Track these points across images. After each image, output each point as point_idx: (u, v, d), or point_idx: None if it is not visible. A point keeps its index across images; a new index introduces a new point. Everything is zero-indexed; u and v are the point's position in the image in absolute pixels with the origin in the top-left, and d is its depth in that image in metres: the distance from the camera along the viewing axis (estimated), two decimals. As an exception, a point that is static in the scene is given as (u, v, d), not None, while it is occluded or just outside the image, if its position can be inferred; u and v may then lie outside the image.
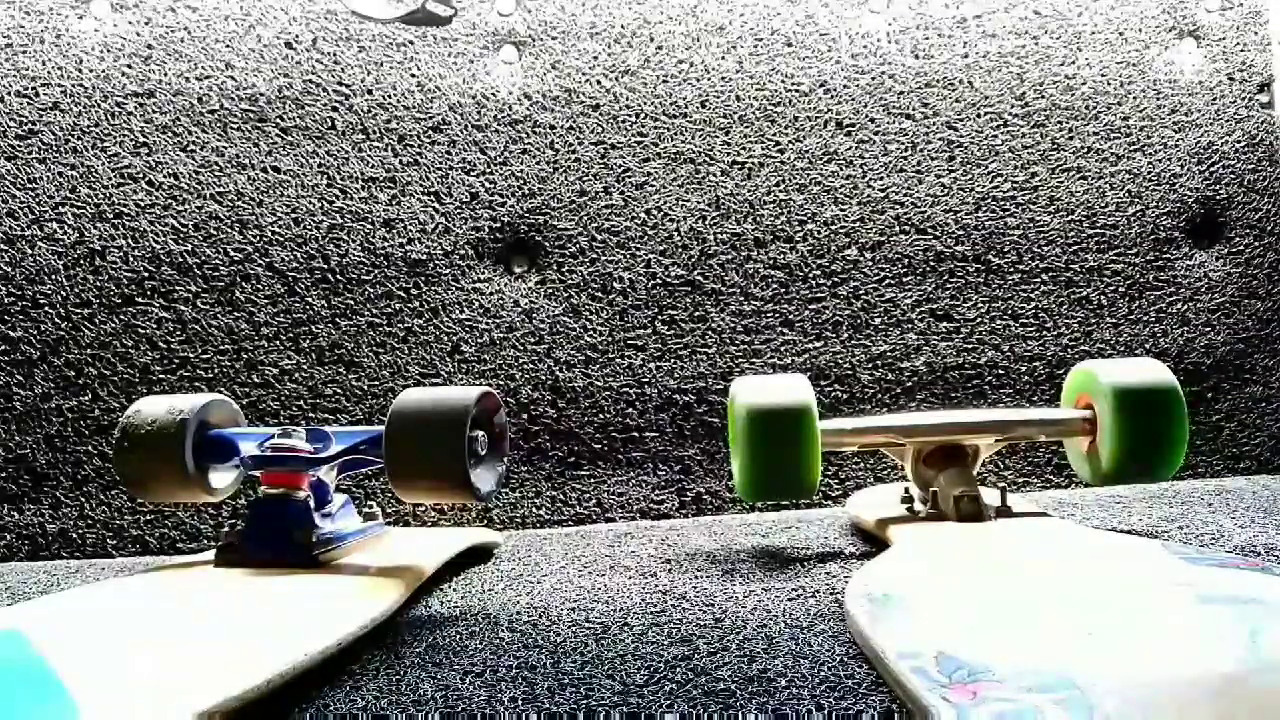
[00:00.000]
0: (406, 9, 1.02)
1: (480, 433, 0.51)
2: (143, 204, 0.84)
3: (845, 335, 0.87)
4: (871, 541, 0.59)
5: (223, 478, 0.55)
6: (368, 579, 0.47)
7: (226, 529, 0.50)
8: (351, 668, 0.37)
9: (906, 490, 0.61)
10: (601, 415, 0.85)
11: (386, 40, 0.91)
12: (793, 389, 0.56)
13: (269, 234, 0.84)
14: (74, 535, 0.75)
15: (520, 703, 0.34)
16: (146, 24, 0.87)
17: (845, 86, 0.92)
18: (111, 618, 0.42)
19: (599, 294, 0.87)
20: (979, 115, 0.93)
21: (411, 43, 0.91)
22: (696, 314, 0.87)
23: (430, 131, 0.89)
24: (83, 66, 0.86)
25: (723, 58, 0.93)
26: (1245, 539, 0.58)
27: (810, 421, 0.55)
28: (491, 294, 0.87)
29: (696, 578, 0.52)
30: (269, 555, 0.48)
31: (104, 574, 0.58)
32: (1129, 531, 0.62)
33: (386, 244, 0.86)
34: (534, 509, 0.83)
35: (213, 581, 0.46)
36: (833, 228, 0.90)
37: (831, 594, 0.47)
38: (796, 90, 0.92)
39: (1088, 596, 0.38)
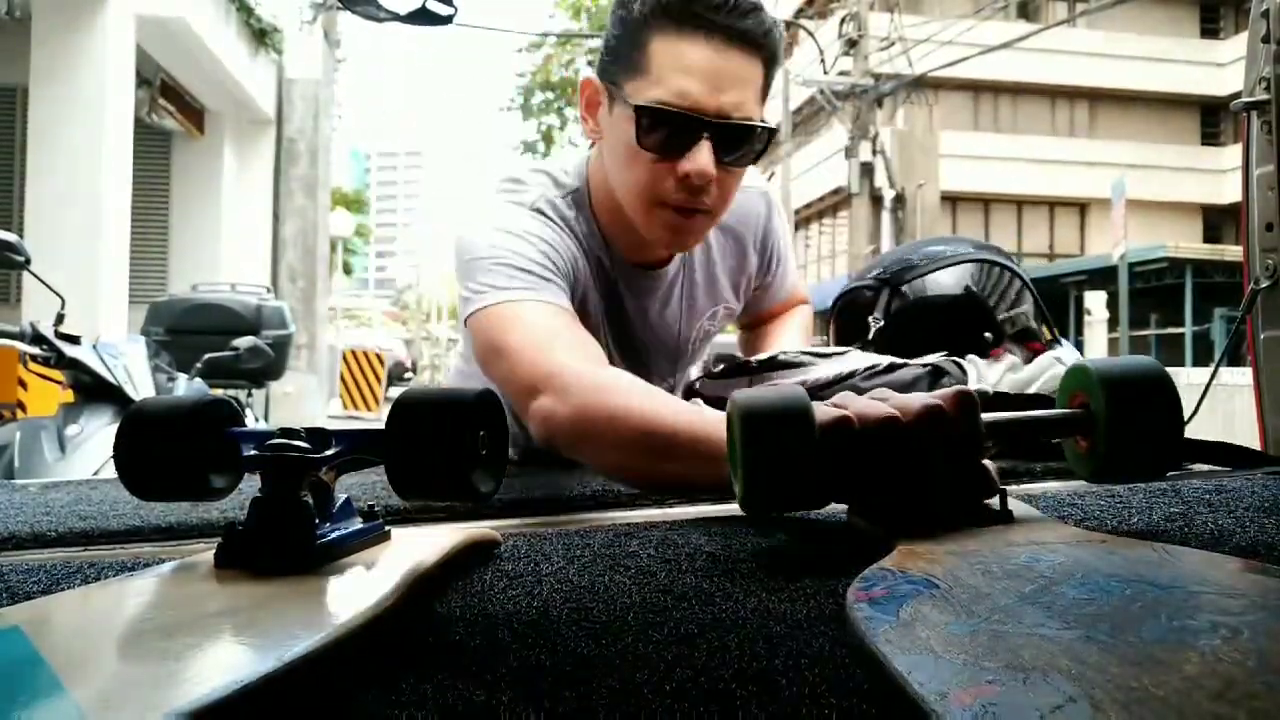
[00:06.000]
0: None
1: (481, 433, 0.50)
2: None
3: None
4: (872, 543, 0.58)
5: (222, 477, 0.55)
6: (366, 579, 0.47)
7: (226, 529, 0.50)
8: (350, 668, 0.37)
9: None
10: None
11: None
12: (792, 400, 0.56)
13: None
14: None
15: (520, 703, 0.34)
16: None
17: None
18: (112, 618, 0.42)
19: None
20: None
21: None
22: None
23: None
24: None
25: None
26: (1245, 539, 0.58)
27: (810, 431, 0.54)
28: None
29: (696, 578, 0.52)
30: (268, 556, 0.48)
31: (105, 573, 0.58)
32: (1128, 533, 0.62)
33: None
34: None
35: (212, 582, 0.46)
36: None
37: (831, 594, 0.47)
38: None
39: (1089, 600, 0.38)
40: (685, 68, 0.94)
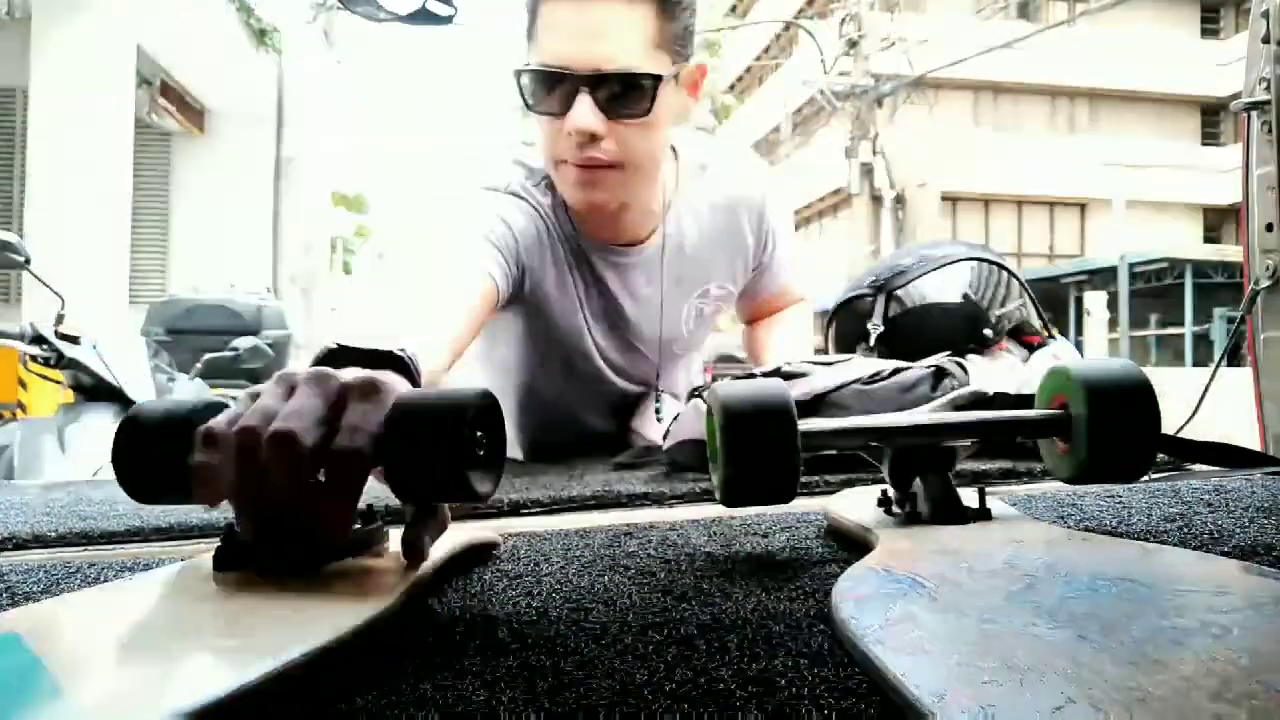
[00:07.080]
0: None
1: (480, 433, 0.50)
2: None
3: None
4: (853, 545, 0.59)
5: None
6: (366, 580, 0.47)
7: (225, 530, 0.50)
8: (349, 668, 0.37)
9: (884, 493, 0.61)
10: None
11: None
12: (771, 393, 0.56)
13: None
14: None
15: (520, 703, 0.34)
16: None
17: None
18: (110, 621, 0.42)
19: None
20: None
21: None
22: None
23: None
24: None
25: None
26: (1245, 539, 0.58)
27: (790, 424, 0.54)
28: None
29: (696, 578, 0.52)
30: (268, 558, 0.48)
31: (104, 575, 0.58)
32: (1130, 533, 0.62)
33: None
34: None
35: (211, 584, 0.46)
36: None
37: (831, 595, 0.47)
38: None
39: (1076, 599, 0.38)
40: (556, 26, 0.96)
